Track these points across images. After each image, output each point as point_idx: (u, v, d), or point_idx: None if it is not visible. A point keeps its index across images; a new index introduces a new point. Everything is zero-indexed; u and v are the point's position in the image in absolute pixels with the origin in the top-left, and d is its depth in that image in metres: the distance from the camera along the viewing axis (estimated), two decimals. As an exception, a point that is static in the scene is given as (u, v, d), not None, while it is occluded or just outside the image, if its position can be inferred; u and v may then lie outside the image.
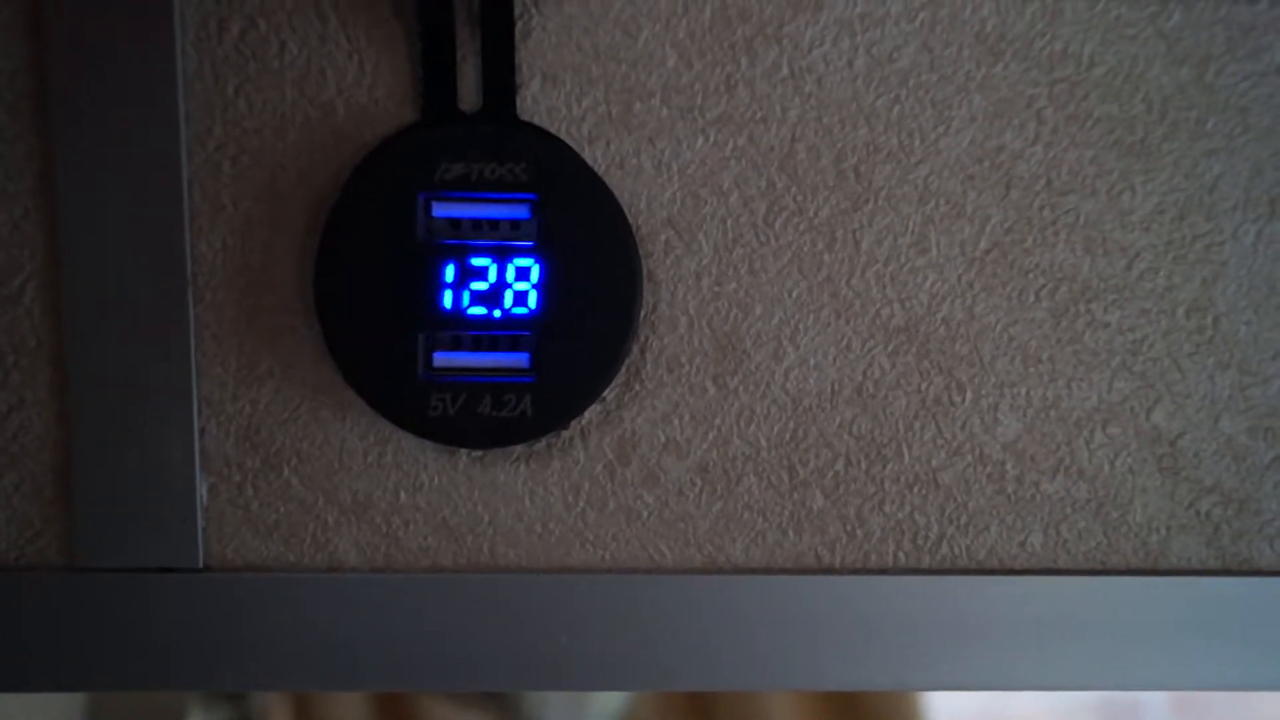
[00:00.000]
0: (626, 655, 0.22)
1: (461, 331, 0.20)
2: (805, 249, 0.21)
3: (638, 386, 0.21)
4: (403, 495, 0.22)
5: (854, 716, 0.57)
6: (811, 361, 0.21)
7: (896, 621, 0.22)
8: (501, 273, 0.20)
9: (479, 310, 0.20)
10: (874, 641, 0.22)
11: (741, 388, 0.21)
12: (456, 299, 0.20)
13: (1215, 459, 0.22)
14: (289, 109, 0.20)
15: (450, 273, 0.20)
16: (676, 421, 0.22)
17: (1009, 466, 0.22)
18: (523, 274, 0.20)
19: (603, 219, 0.20)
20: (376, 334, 0.20)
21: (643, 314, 0.21)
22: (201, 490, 0.21)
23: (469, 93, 0.20)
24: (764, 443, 0.22)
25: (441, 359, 0.21)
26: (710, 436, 0.22)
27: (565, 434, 0.22)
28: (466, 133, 0.20)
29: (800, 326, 0.21)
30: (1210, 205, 0.21)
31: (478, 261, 0.20)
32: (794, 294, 0.21)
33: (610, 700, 0.45)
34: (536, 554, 0.22)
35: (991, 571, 0.22)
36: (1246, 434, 0.22)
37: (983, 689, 0.22)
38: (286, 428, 0.21)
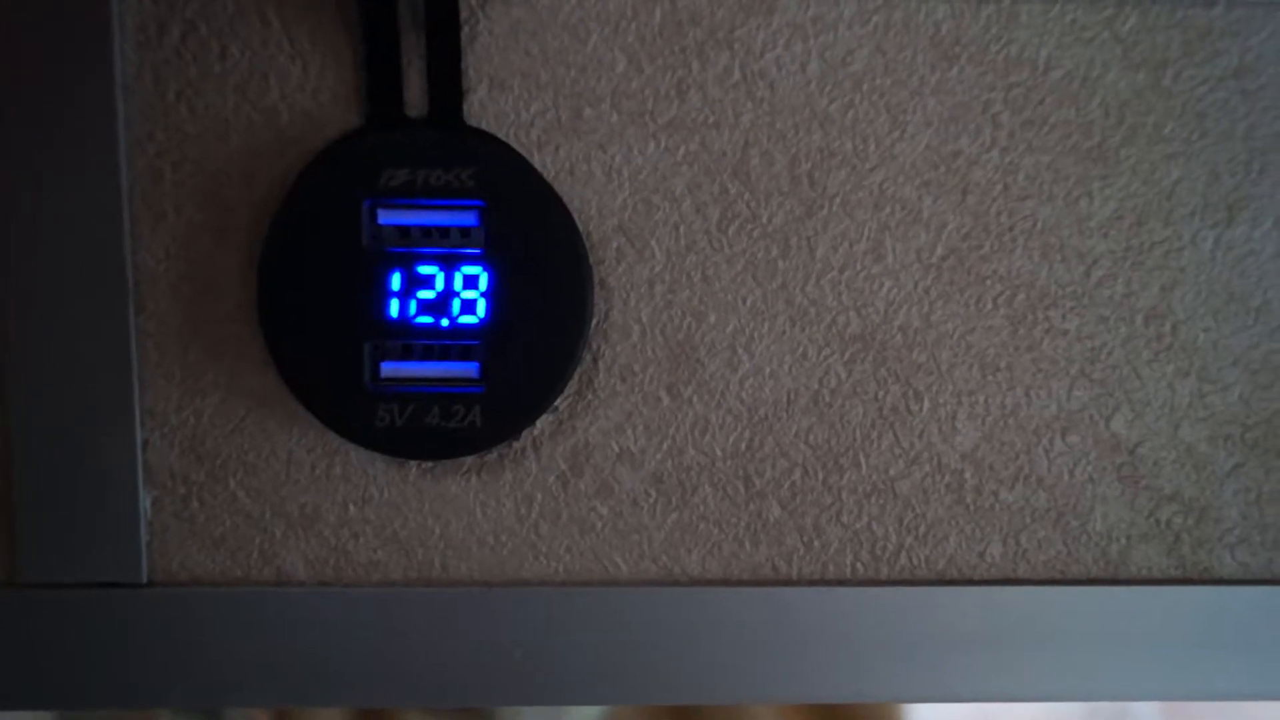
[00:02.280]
0: (581, 669, 0.21)
1: (409, 340, 0.20)
2: (759, 256, 0.21)
3: (590, 396, 0.21)
4: (351, 508, 0.21)
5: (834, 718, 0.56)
6: (767, 370, 0.21)
7: (855, 633, 0.22)
8: (449, 281, 0.20)
9: (426, 319, 0.20)
10: (832, 653, 0.22)
11: (696, 397, 0.21)
12: (403, 308, 0.20)
13: (1175, 467, 0.22)
14: (231, 114, 0.20)
15: (397, 281, 0.20)
16: (630, 431, 0.21)
17: (968, 476, 0.21)
18: (471, 282, 0.20)
19: (552, 226, 0.20)
20: (322, 344, 0.20)
21: (595, 322, 0.21)
22: (145, 503, 0.21)
23: (415, 98, 0.20)
24: (719, 453, 0.21)
25: (389, 369, 0.20)
26: (665, 446, 0.21)
27: (517, 444, 0.21)
28: (412, 138, 0.20)
29: (755, 335, 0.21)
30: (1168, 211, 0.21)
31: (425, 269, 0.20)
32: (748, 302, 0.21)
33: (587, 708, 0.45)
34: (489, 567, 0.21)
35: (951, 582, 0.22)
36: (1206, 442, 0.22)
37: (941, 700, 0.22)
38: (232, 439, 0.21)
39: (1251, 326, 0.21)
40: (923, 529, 0.22)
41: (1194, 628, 0.22)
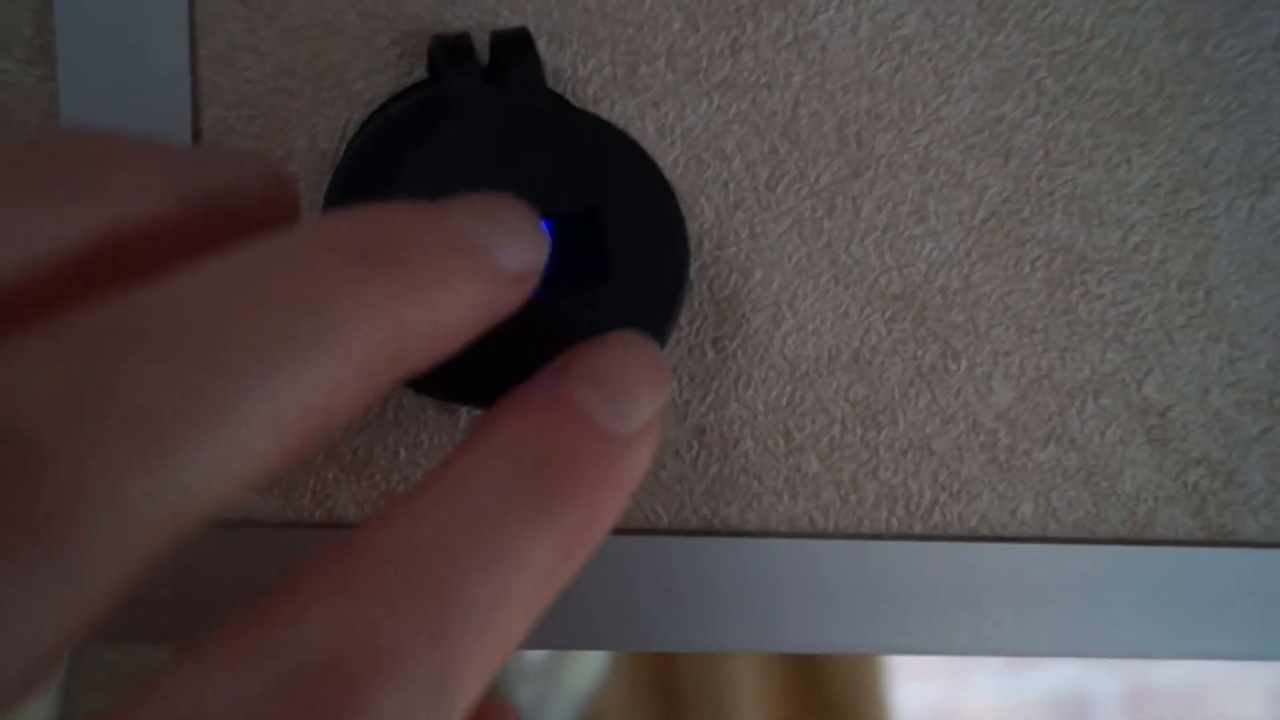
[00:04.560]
0: (618, 616, 0.22)
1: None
2: (806, 215, 0.21)
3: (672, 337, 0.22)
4: (402, 453, 0.22)
5: (818, 697, 0.57)
6: (809, 327, 0.22)
7: (888, 586, 0.22)
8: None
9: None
10: (865, 606, 0.22)
11: (740, 352, 0.22)
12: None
13: (1203, 431, 0.22)
14: (298, 64, 0.20)
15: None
16: (675, 384, 0.22)
17: (1001, 435, 0.22)
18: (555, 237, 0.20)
19: (648, 179, 0.20)
20: None
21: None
22: None
23: (478, 49, 0.20)
24: (761, 407, 0.22)
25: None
26: (708, 399, 0.22)
27: (564, 395, 0.22)
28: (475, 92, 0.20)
29: (799, 292, 0.22)
30: (1205, 180, 0.22)
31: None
32: (794, 259, 0.21)
33: (580, 679, 0.45)
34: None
35: (982, 538, 0.22)
36: (1234, 407, 0.22)
37: (973, 654, 0.22)
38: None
39: None
40: (956, 486, 0.22)
41: (1218, 589, 0.22)
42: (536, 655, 0.43)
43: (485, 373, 0.20)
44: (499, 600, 0.12)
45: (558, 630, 0.22)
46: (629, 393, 0.14)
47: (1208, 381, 0.22)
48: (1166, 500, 0.22)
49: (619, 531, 0.22)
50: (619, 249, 0.19)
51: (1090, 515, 0.22)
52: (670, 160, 0.21)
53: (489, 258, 0.14)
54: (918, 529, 0.22)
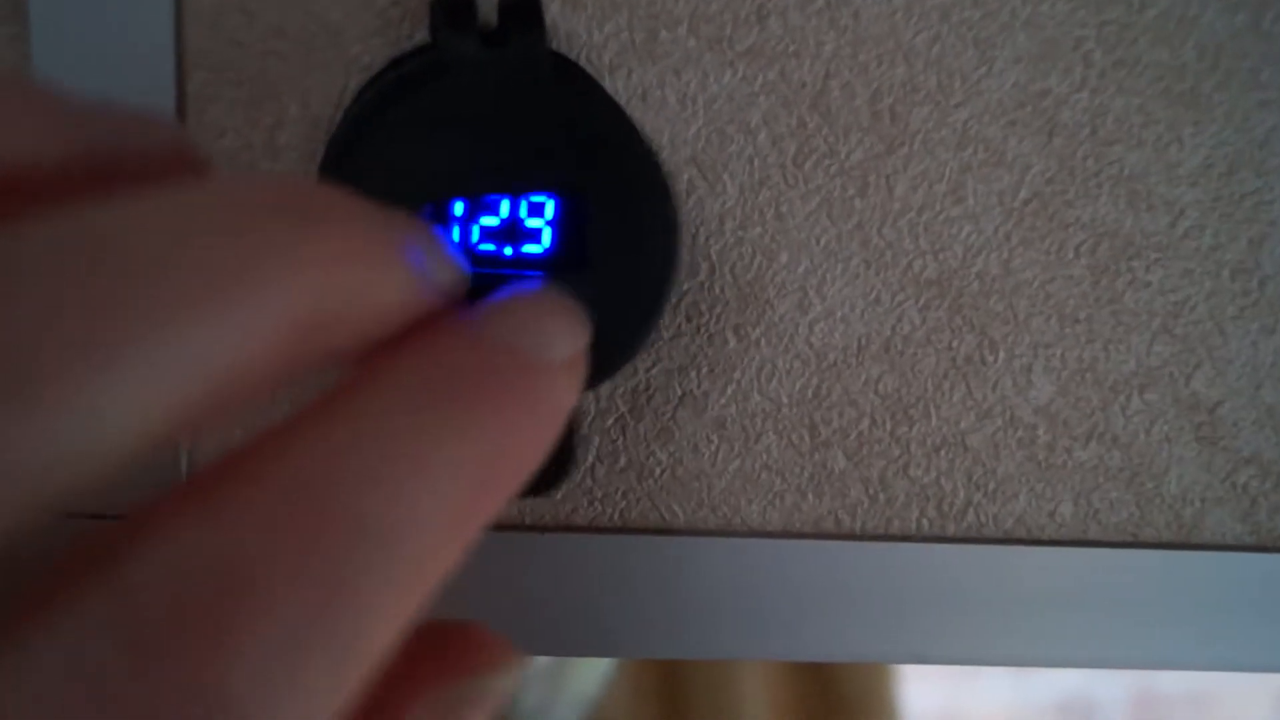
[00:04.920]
0: (631, 619, 0.21)
1: (472, 269, 0.19)
2: (836, 194, 0.20)
3: (654, 335, 0.20)
4: None
5: (826, 701, 0.56)
6: (838, 314, 0.20)
7: (918, 591, 0.21)
8: (515, 209, 0.19)
9: (488, 247, 0.19)
10: (894, 612, 0.21)
11: (763, 340, 0.20)
12: (465, 235, 0.19)
13: (1255, 429, 0.21)
14: (289, 26, 0.19)
15: (460, 208, 0.19)
16: (694, 374, 0.20)
17: (1041, 431, 0.21)
18: (536, 210, 0.19)
19: (638, 157, 0.19)
20: None
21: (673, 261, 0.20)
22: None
23: (485, 11, 0.19)
24: (785, 399, 0.20)
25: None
26: (729, 391, 0.20)
27: (575, 384, 0.20)
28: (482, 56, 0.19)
29: (828, 276, 0.20)
30: (1260, 161, 0.20)
31: (490, 198, 0.19)
32: (822, 241, 0.20)
33: (585, 684, 0.44)
34: (541, 511, 0.21)
35: (1019, 541, 0.21)
36: None
37: (1007, 664, 0.21)
38: None
39: None
40: (992, 485, 0.21)
41: (1267, 597, 0.21)
42: (541, 659, 0.41)
43: None
44: (401, 529, 0.10)
45: (566, 636, 0.21)
46: (544, 327, 0.13)
47: (1260, 376, 0.21)
48: (1214, 502, 0.21)
49: (634, 531, 0.21)
50: (603, 234, 0.18)
51: (1133, 517, 0.21)
52: (691, 133, 0.20)
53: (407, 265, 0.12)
54: (950, 530, 0.21)
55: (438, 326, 0.12)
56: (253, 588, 0.09)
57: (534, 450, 0.12)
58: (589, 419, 0.20)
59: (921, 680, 1.27)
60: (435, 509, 0.11)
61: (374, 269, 0.11)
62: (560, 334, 0.13)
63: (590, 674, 0.44)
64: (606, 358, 0.19)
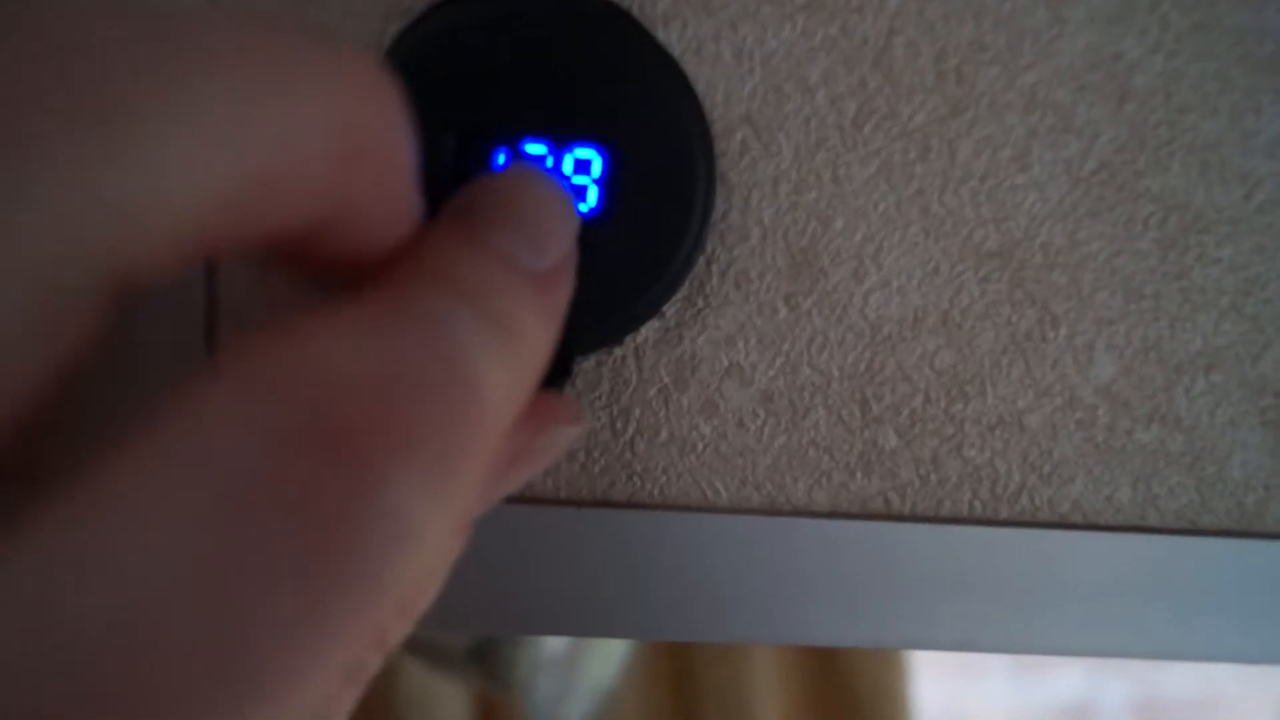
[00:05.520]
0: (671, 599, 0.20)
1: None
2: (896, 158, 0.19)
3: (701, 303, 0.19)
4: None
5: (838, 696, 0.55)
6: (895, 285, 0.19)
7: (969, 576, 0.20)
8: (559, 163, 0.18)
9: (530, 206, 0.18)
10: (944, 597, 0.20)
11: (815, 310, 0.19)
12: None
13: None
14: (325, -35, 0.18)
15: (501, 159, 0.18)
16: (742, 344, 0.19)
17: (1101, 412, 0.20)
18: (583, 166, 0.18)
19: (678, 112, 0.18)
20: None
21: (712, 221, 0.19)
22: None
23: (531, -43, 0.18)
24: (836, 373, 0.20)
25: (485, 259, 0.18)
26: (778, 363, 0.20)
27: (618, 351, 0.19)
28: (523, 4, 0.18)
29: (885, 245, 0.19)
30: (1340, 133, 0.19)
31: (533, 149, 0.18)
32: (880, 208, 0.19)
33: (601, 672, 0.43)
34: (578, 485, 0.20)
35: (1074, 526, 0.20)
36: None
37: (1060, 653, 0.20)
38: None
39: None
40: (1048, 468, 0.20)
41: (1331, 588, 0.20)
42: (556, 647, 0.40)
43: None
44: (487, 391, 0.12)
45: (604, 615, 0.20)
46: (538, 230, 0.15)
47: None
48: (1278, 489, 0.20)
49: (674, 508, 0.20)
50: (643, 188, 0.18)
51: (1194, 504, 0.20)
52: (747, 90, 0.19)
53: None
54: (1004, 514, 0.20)
55: (446, 239, 0.14)
56: (419, 404, 0.11)
57: (546, 347, 0.14)
58: (630, 389, 0.20)
59: (923, 681, 1.27)
60: (504, 382, 0.13)
61: (382, 117, 0.13)
62: (556, 234, 0.15)
63: (606, 663, 0.43)
64: (627, 316, 0.18)
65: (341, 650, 0.10)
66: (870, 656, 0.55)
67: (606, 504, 0.20)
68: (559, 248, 0.15)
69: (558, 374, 0.18)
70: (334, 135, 0.11)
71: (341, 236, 0.13)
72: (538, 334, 0.14)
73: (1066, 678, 1.28)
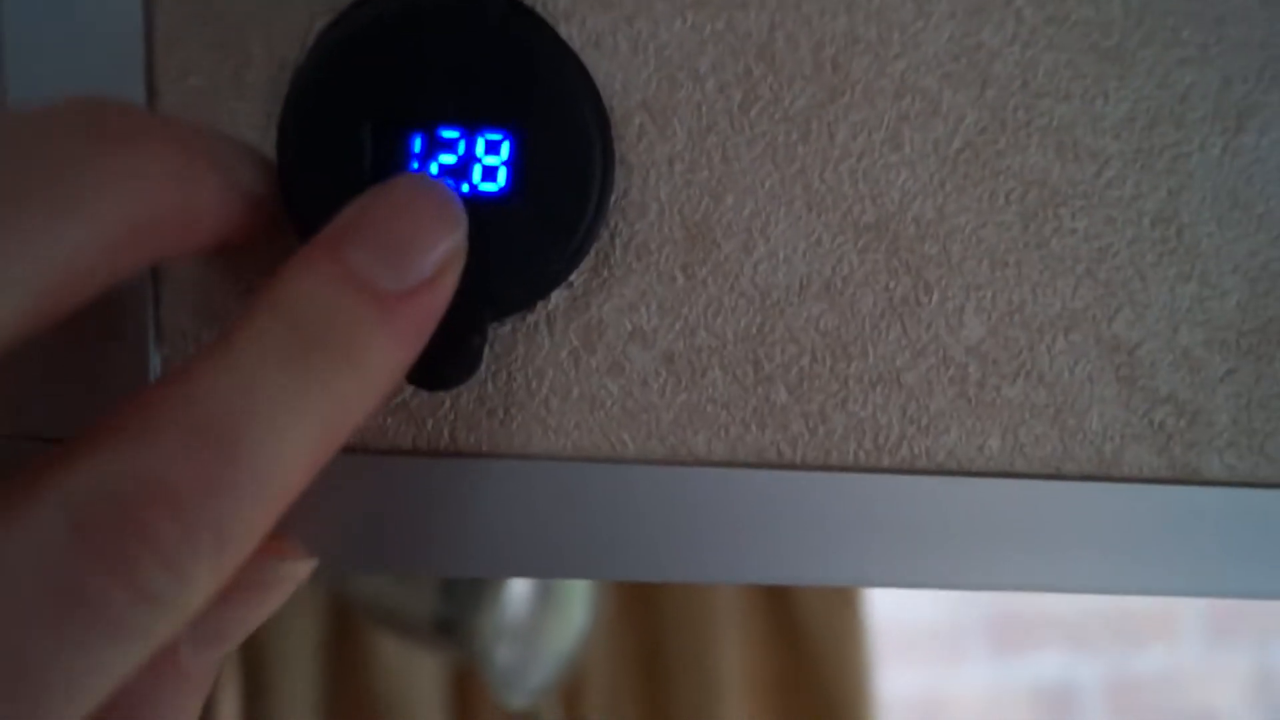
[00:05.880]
0: (583, 543, 0.22)
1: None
2: (779, 139, 0.21)
3: (606, 273, 0.21)
4: None
5: (803, 671, 0.57)
6: (781, 255, 0.21)
7: (855, 519, 0.22)
8: (471, 146, 0.20)
9: (447, 184, 0.20)
10: (832, 538, 0.22)
11: (710, 279, 0.21)
12: (423, 171, 0.20)
13: (1171, 370, 0.22)
14: (257, -32, 0.20)
15: (418, 143, 0.20)
16: (644, 310, 0.21)
17: (971, 369, 0.22)
18: (493, 148, 0.20)
19: (578, 98, 0.20)
20: (340, 205, 0.20)
21: (614, 198, 0.21)
22: (155, 362, 0.21)
23: (444, -40, 0.20)
24: (730, 336, 0.22)
25: (407, 234, 0.20)
26: (677, 327, 0.22)
27: (531, 318, 0.21)
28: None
29: (771, 219, 0.21)
30: (1180, 115, 0.21)
31: (447, 133, 0.20)
32: (766, 185, 0.21)
33: (561, 640, 0.45)
34: (497, 439, 0.22)
35: (950, 473, 0.22)
36: (1203, 346, 0.22)
37: (938, 588, 0.22)
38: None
39: (1253, 234, 0.22)
40: (925, 420, 0.22)
41: (1181, 527, 0.22)
42: (516, 616, 0.42)
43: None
44: (278, 451, 0.14)
45: (522, 558, 0.22)
46: (404, 249, 0.15)
47: (1177, 320, 0.22)
48: (1133, 438, 0.22)
49: (587, 459, 0.22)
50: (547, 169, 0.20)
51: (1057, 452, 0.22)
52: (643, 79, 0.21)
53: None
54: (886, 462, 0.22)
55: (305, 259, 0.15)
56: (172, 497, 0.13)
57: (394, 367, 0.16)
58: (543, 352, 0.22)
59: (901, 666, 1.30)
60: (306, 435, 0.15)
61: (181, 181, 0.15)
62: (421, 251, 0.15)
63: (566, 632, 0.45)
64: (536, 284, 0.20)
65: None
66: (838, 636, 0.57)
67: (525, 456, 0.22)
68: (425, 262, 0.15)
69: (463, 364, 0.20)
70: (121, 226, 0.13)
71: (188, 250, 0.15)
72: (377, 351, 0.15)
73: (1044, 659, 1.31)
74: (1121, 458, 0.22)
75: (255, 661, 0.51)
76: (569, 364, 0.22)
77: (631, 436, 0.22)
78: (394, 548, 0.21)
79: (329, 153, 0.20)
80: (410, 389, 0.21)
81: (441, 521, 0.22)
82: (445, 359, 0.20)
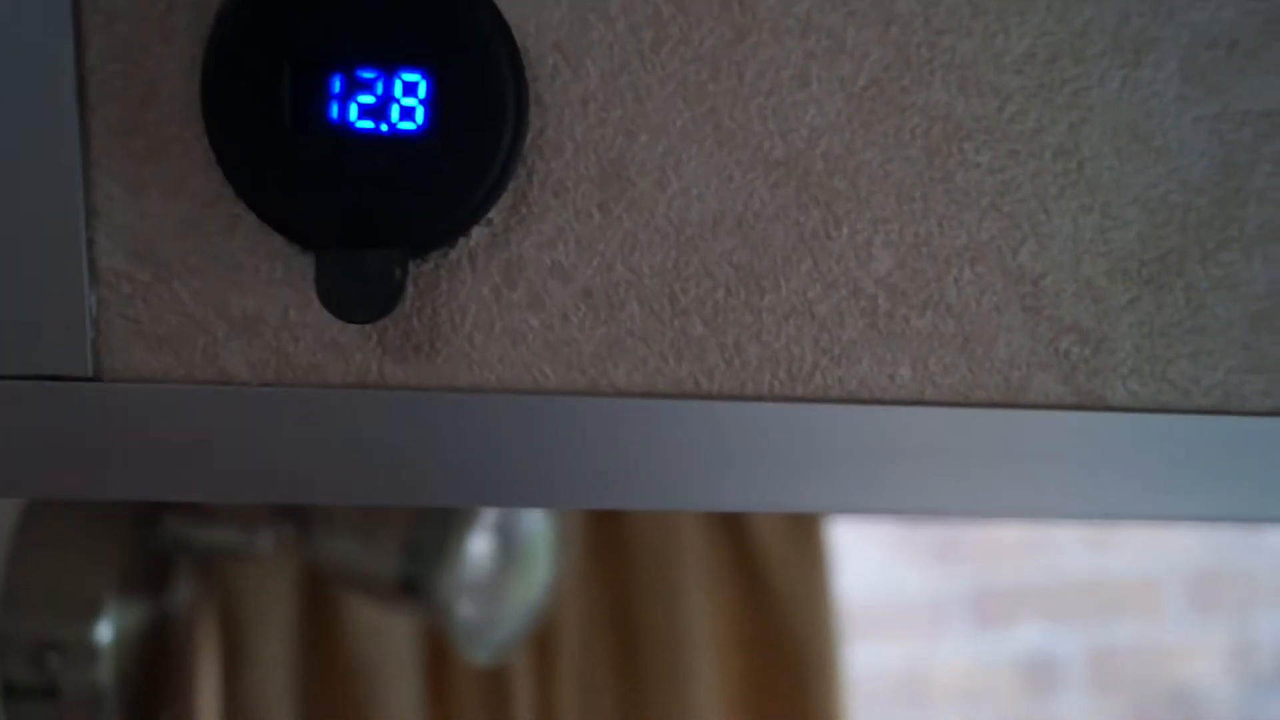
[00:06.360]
0: (509, 472, 0.23)
1: (348, 144, 0.21)
2: (690, 79, 0.22)
3: (525, 210, 0.22)
4: (292, 312, 0.22)
5: (773, 633, 0.58)
6: (694, 191, 0.22)
7: (770, 447, 0.23)
8: (389, 87, 0.21)
9: (366, 124, 0.21)
10: (749, 465, 0.23)
11: (626, 215, 0.22)
12: (343, 111, 0.21)
13: (1075, 299, 0.23)
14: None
15: (337, 84, 0.21)
16: (562, 246, 0.22)
17: (881, 301, 0.23)
18: (411, 89, 0.21)
19: (492, 39, 0.21)
20: (264, 146, 0.21)
21: (530, 137, 0.22)
22: (90, 301, 0.22)
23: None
24: (647, 270, 0.22)
25: (328, 172, 0.21)
26: (595, 263, 0.22)
27: (453, 255, 0.22)
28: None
29: (684, 156, 0.22)
30: (1079, 50, 0.22)
31: (365, 74, 0.21)
32: (678, 124, 0.22)
33: (525, 596, 0.46)
34: (424, 373, 0.22)
35: (862, 401, 0.23)
36: (1105, 276, 0.23)
37: (850, 512, 0.23)
38: (177, 242, 0.22)
39: (1152, 166, 0.23)
40: (837, 350, 0.23)
41: (1086, 452, 0.23)
42: (478, 572, 0.43)
43: (330, 211, 0.21)
44: None
45: (449, 487, 0.23)
46: None
47: (1080, 250, 0.23)
48: (1038, 366, 0.23)
49: (510, 391, 0.23)
50: (463, 109, 0.20)
51: (965, 380, 0.23)
52: (556, 20, 0.21)
53: None
54: (799, 392, 0.23)
55: None
56: None
57: None
58: (465, 288, 0.22)
59: (886, 641, 1.31)
60: None
61: None
62: None
63: (530, 587, 0.46)
64: (455, 221, 0.21)
65: None
66: (807, 601, 0.58)
67: (452, 389, 0.22)
68: None
69: (383, 299, 0.21)
70: None
71: None
72: None
73: (1026, 632, 1.33)
74: (1028, 385, 0.23)
75: (233, 627, 0.52)
76: (491, 299, 0.22)
77: (553, 369, 0.23)
78: (327, 479, 0.22)
79: (251, 95, 0.21)
80: (339, 325, 0.22)
81: (372, 453, 0.22)
82: (366, 293, 0.21)
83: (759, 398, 0.23)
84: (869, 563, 1.28)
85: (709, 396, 0.23)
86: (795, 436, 0.23)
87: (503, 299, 0.22)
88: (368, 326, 0.22)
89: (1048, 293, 0.23)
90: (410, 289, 0.22)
